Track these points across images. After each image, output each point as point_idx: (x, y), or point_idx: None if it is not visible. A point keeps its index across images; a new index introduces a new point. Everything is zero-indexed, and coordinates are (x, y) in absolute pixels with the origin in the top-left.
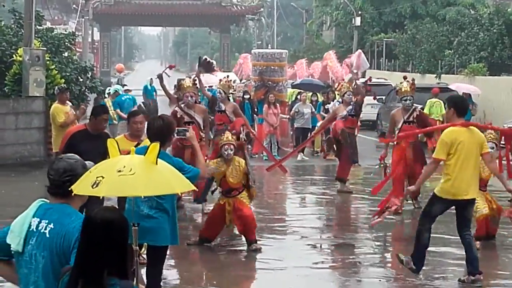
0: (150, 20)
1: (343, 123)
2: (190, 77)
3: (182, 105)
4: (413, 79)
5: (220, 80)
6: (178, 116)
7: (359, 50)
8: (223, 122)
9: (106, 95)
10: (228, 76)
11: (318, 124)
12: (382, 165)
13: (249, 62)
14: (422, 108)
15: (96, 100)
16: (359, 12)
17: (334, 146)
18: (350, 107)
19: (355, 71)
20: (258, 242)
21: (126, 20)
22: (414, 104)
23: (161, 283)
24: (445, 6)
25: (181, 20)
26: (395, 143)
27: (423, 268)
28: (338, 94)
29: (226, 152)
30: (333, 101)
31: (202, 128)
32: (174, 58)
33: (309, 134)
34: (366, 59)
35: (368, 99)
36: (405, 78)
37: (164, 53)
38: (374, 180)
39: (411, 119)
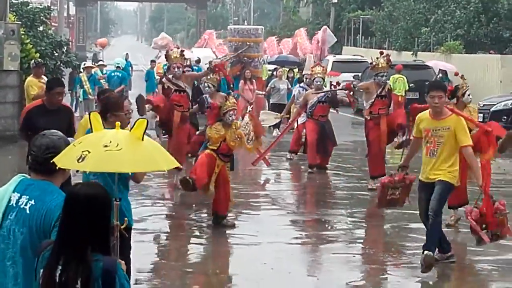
0: None
1: (315, 128)
2: (178, 48)
3: (170, 76)
4: (388, 55)
5: (207, 74)
6: (165, 87)
7: (324, 26)
8: None
9: (82, 70)
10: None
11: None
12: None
13: (214, 39)
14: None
15: (71, 74)
16: None
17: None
18: (322, 94)
19: (322, 46)
20: (235, 218)
21: None
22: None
23: (131, 257)
24: None
25: None
26: (368, 117)
27: (398, 243)
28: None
29: (230, 118)
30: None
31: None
32: (151, 34)
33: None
34: (332, 34)
35: (344, 76)
36: (381, 53)
37: (140, 29)
38: (348, 156)
39: (383, 93)
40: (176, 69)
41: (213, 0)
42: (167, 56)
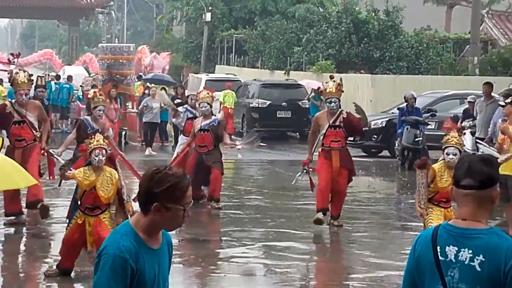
0: None
1: (193, 162)
2: (24, 71)
3: (13, 101)
4: (340, 79)
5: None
6: (7, 111)
7: (154, 53)
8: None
9: None
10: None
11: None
12: (305, 170)
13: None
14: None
15: None
16: (210, 8)
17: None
18: (208, 121)
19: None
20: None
21: None
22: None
23: None
24: (295, 3)
25: (28, 12)
26: (320, 149)
27: (267, 263)
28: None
29: (97, 158)
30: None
31: (37, 127)
32: (22, 50)
33: (157, 129)
34: (162, 60)
35: (217, 94)
36: (331, 77)
37: (11, 45)
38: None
39: (337, 123)
40: (23, 96)
41: (85, 18)
42: (12, 80)
